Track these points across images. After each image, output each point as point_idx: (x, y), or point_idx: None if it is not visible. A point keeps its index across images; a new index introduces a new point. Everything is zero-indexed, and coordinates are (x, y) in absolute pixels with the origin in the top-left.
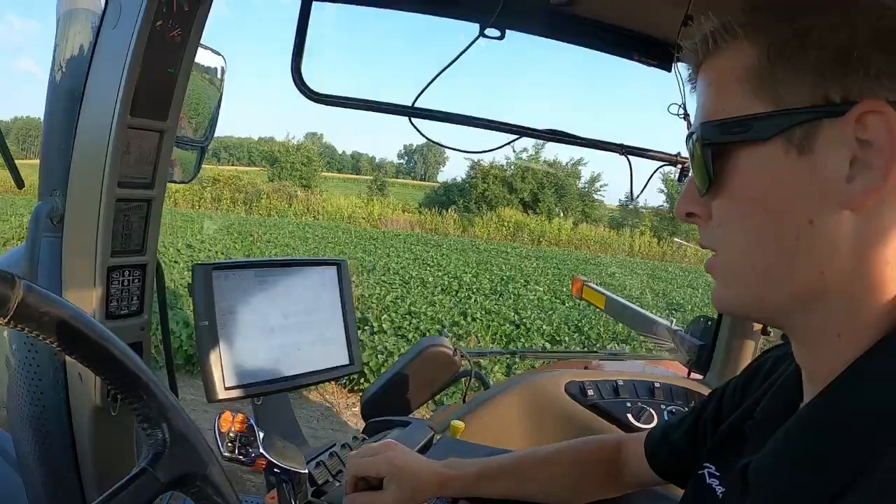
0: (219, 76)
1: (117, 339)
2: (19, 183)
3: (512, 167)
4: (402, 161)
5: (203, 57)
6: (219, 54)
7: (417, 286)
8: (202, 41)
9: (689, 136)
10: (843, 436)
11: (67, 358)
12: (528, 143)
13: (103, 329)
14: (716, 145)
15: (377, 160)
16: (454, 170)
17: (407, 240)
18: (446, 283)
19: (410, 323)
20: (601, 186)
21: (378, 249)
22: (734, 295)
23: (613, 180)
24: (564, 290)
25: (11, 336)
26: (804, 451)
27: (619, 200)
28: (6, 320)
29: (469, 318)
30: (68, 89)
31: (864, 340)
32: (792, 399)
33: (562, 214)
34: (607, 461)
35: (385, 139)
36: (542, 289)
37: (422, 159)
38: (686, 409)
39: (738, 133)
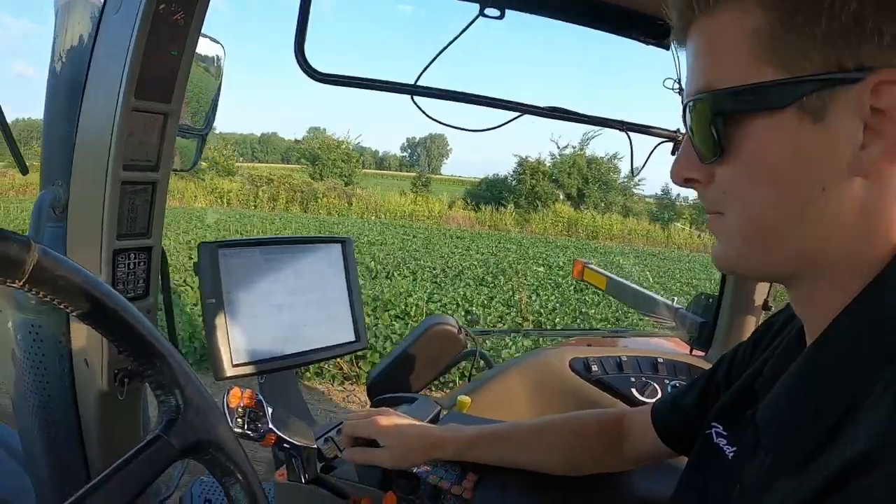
0: (217, 64)
1: (131, 306)
2: (23, 169)
3: (554, 162)
4: (405, 154)
5: (202, 45)
6: (217, 42)
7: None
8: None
9: (690, 104)
10: (839, 369)
11: (73, 344)
12: (573, 138)
13: (117, 295)
14: (728, 114)
15: (380, 154)
16: (457, 163)
17: (490, 238)
18: None
19: None
20: (640, 181)
21: (483, 249)
22: (738, 255)
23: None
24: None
25: (16, 326)
26: (805, 390)
27: (656, 194)
28: (22, 283)
29: None
30: (69, 79)
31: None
32: (797, 353)
33: (608, 209)
34: (608, 433)
35: (387, 133)
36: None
37: (425, 152)
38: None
39: (753, 102)
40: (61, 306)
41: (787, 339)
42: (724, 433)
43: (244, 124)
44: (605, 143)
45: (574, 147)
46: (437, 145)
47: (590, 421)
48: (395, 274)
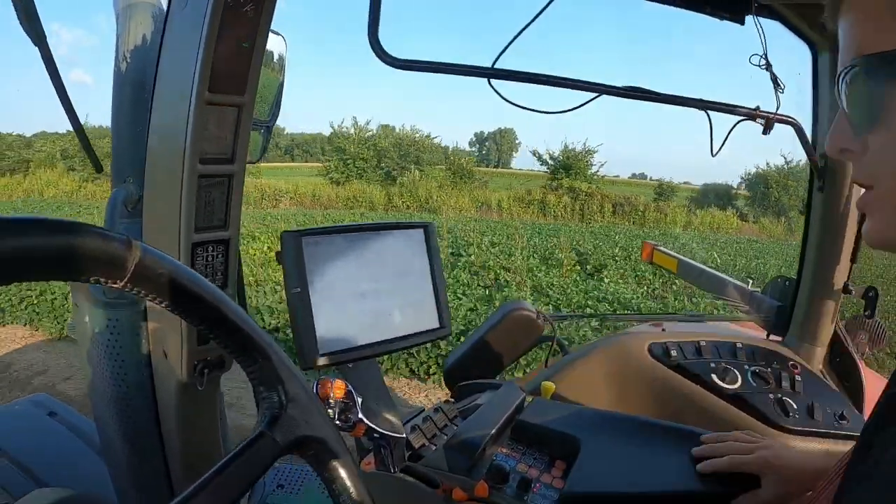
0: (279, 56)
1: (232, 301)
2: (98, 167)
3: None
4: (473, 149)
5: None
6: (279, 34)
7: None
8: None
9: (844, 72)
10: None
11: (151, 335)
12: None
13: (218, 290)
14: (881, 78)
15: (450, 149)
16: (526, 156)
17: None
18: None
19: None
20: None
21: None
22: (893, 229)
23: None
24: None
25: (93, 320)
26: None
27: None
28: (124, 283)
29: None
30: (134, 79)
31: None
32: None
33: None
34: None
35: (455, 126)
36: None
37: (495, 146)
38: (769, 369)
39: None
40: (162, 304)
41: None
42: None
43: (312, 124)
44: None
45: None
46: (506, 139)
47: None
48: None
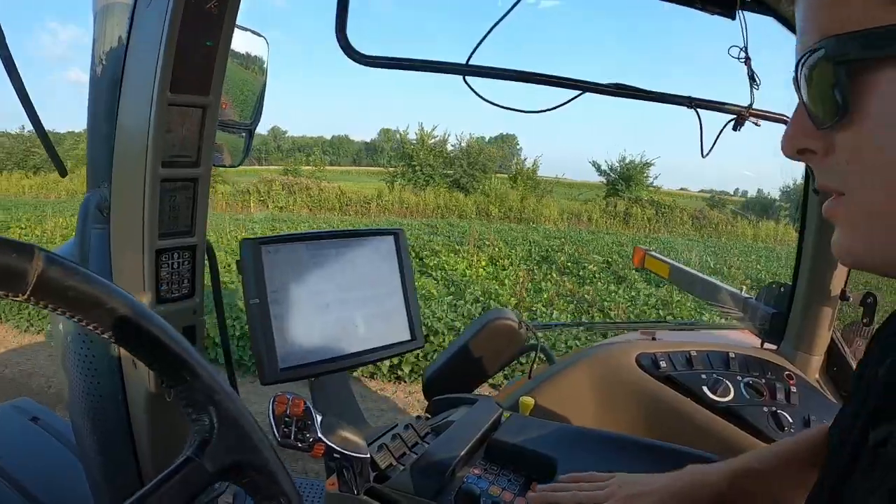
0: (261, 58)
1: (157, 316)
2: (62, 171)
3: None
4: None
5: (245, 39)
6: (261, 35)
7: None
8: (244, 23)
9: (804, 59)
10: None
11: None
12: None
13: (139, 304)
14: (852, 62)
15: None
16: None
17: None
18: None
19: None
20: None
21: None
22: (866, 245)
23: None
24: None
25: (67, 328)
26: None
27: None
28: (25, 296)
29: None
30: (109, 81)
31: None
32: None
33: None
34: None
35: (456, 130)
36: None
37: (499, 151)
38: (763, 380)
39: (884, 47)
40: (74, 319)
41: None
42: None
43: (314, 128)
44: None
45: None
46: (508, 145)
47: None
48: None
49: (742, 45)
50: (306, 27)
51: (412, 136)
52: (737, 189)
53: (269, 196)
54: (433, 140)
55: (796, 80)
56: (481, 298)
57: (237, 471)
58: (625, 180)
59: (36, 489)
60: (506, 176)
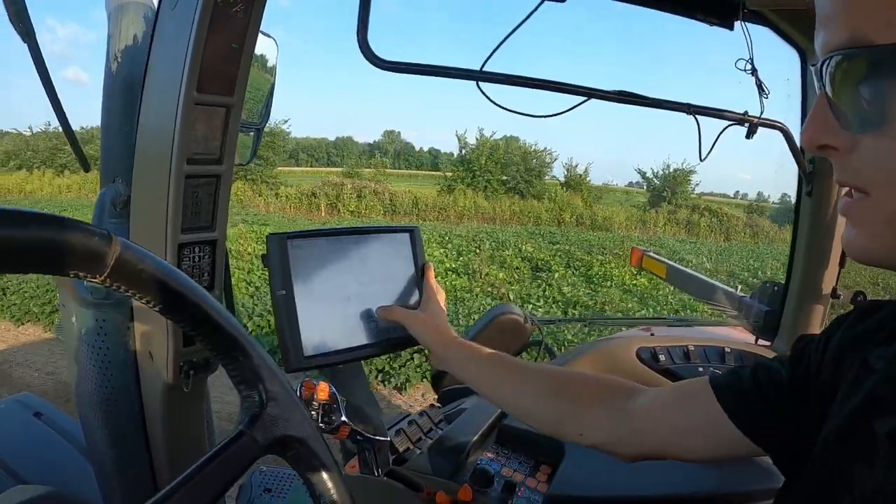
0: (271, 59)
1: (214, 300)
2: (86, 166)
3: None
4: None
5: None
6: (270, 37)
7: None
8: None
9: (836, 59)
10: None
11: (137, 336)
12: None
13: (199, 288)
14: (889, 75)
15: (455, 155)
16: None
17: None
18: None
19: None
20: None
21: None
22: (882, 246)
23: None
24: None
25: (80, 320)
26: None
27: None
28: (103, 277)
29: None
30: (125, 78)
31: None
32: None
33: None
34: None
35: (457, 131)
36: None
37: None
38: None
39: None
40: (143, 301)
41: None
42: None
43: (318, 129)
44: None
45: None
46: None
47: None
48: None
49: (748, 57)
50: (314, 28)
51: (472, 140)
52: (736, 192)
53: (340, 200)
54: (490, 145)
55: (820, 75)
56: None
57: (284, 444)
58: (670, 188)
59: (40, 483)
60: (556, 181)
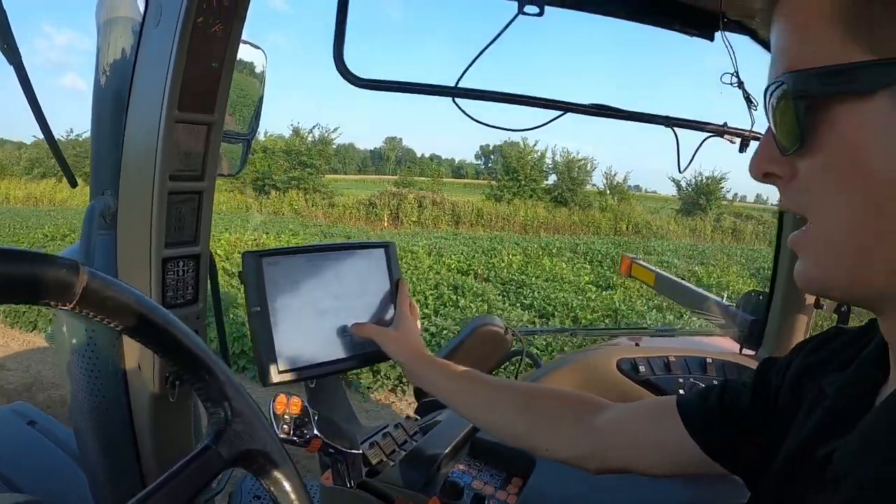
0: (259, 70)
1: (180, 322)
2: (72, 182)
3: None
4: (479, 162)
5: (243, 51)
6: (259, 48)
7: None
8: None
9: (772, 87)
10: None
11: (125, 348)
12: None
13: (166, 312)
14: (810, 97)
15: (456, 162)
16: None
17: None
18: None
19: None
20: None
21: None
22: (823, 274)
23: None
24: None
25: (71, 331)
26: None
27: None
28: (72, 305)
29: None
30: (114, 91)
31: None
32: (875, 379)
33: None
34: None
35: (460, 141)
36: None
37: (501, 160)
38: None
39: (839, 84)
40: (111, 325)
41: (861, 360)
42: None
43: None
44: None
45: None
46: (514, 152)
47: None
48: None
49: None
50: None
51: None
52: (735, 194)
53: (401, 210)
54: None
55: (765, 106)
56: None
57: (248, 458)
58: (705, 195)
59: (33, 492)
60: (595, 189)
